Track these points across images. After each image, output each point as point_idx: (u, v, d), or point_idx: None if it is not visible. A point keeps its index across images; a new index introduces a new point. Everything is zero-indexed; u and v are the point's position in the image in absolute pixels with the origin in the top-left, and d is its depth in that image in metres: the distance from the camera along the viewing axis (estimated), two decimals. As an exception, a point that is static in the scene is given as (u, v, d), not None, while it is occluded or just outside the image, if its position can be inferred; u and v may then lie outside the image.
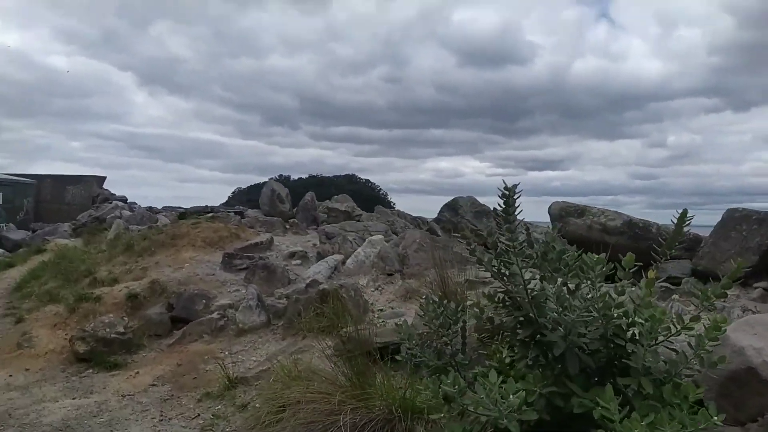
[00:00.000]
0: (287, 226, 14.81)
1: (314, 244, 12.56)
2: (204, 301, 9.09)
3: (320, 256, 11.25)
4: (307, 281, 9.23)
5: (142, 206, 22.26)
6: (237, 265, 11.01)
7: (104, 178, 26.88)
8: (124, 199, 28.35)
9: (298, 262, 11.31)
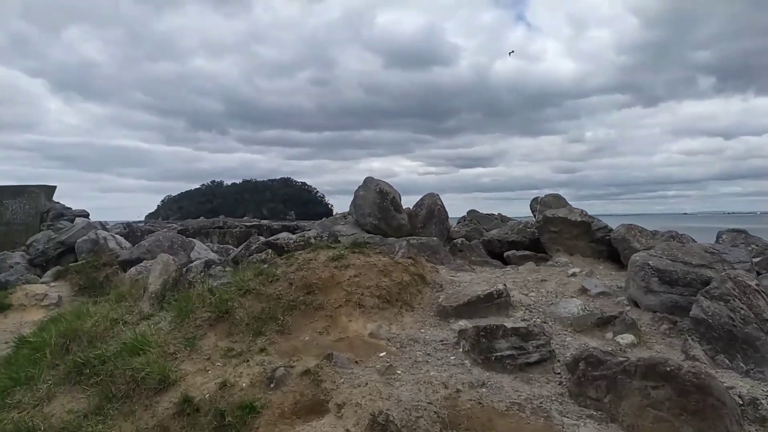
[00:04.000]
0: (455, 253, 8.80)
1: (585, 290, 6.65)
2: None
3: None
4: None
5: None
6: (511, 357, 5.08)
7: (54, 187, 19.70)
8: (85, 215, 21.24)
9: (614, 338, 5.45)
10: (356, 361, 5.31)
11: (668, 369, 4.23)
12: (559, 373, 5.01)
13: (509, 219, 16.75)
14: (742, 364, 4.74)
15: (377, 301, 6.37)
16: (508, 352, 5.15)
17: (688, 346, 5.14)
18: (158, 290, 7.80)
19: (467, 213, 15.78)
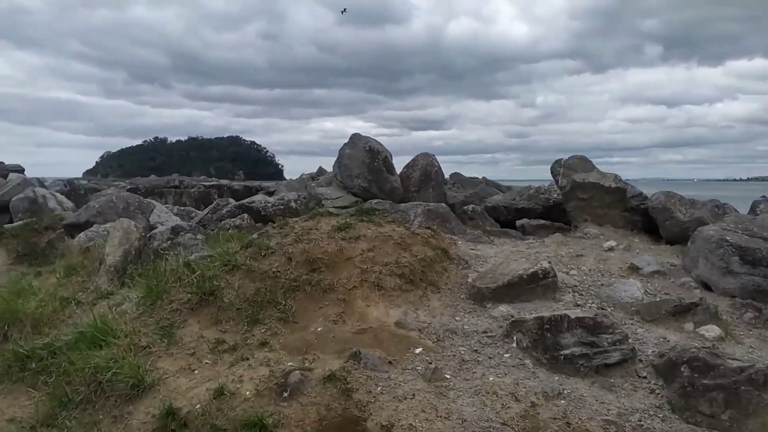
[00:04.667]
0: (466, 222, 7.72)
1: (642, 268, 5.71)
2: None
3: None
4: None
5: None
6: (585, 357, 4.07)
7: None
8: (20, 170, 19.35)
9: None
10: (389, 361, 4.19)
11: (814, 381, 3.30)
12: (645, 377, 4.04)
13: (494, 182, 15.83)
14: None
15: (399, 281, 5.23)
16: (580, 350, 4.14)
17: (794, 343, 4.26)
18: (118, 262, 6.42)
19: (450, 176, 14.78)
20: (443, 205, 7.75)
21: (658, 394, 3.84)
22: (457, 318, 4.94)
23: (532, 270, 5.21)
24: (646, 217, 7.14)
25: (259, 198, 10.46)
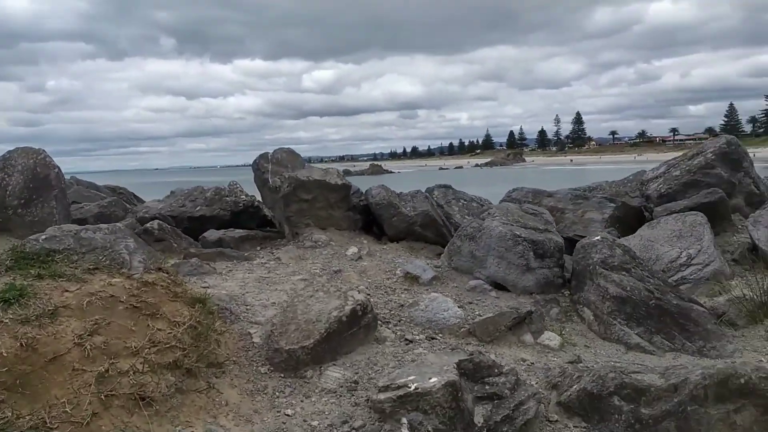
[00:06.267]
0: (150, 243, 5.41)
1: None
2: None
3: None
4: None
5: None
6: (505, 422, 3.10)
7: None
8: None
9: None
10: None
11: (742, 381, 3.15)
12: (557, 420, 3.27)
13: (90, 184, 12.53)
14: (688, 343, 4.12)
15: (172, 378, 2.96)
16: (497, 414, 3.06)
17: (623, 334, 4.21)
18: None
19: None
20: (107, 225, 5.15)
21: (592, 440, 3.12)
22: (283, 412, 3.10)
23: (348, 308, 3.75)
24: (366, 215, 6.44)
25: None
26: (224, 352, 3.47)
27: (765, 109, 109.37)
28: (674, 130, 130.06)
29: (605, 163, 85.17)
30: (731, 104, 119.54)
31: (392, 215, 6.24)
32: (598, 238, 4.77)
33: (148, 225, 5.87)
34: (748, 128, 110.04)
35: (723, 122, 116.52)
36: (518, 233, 4.78)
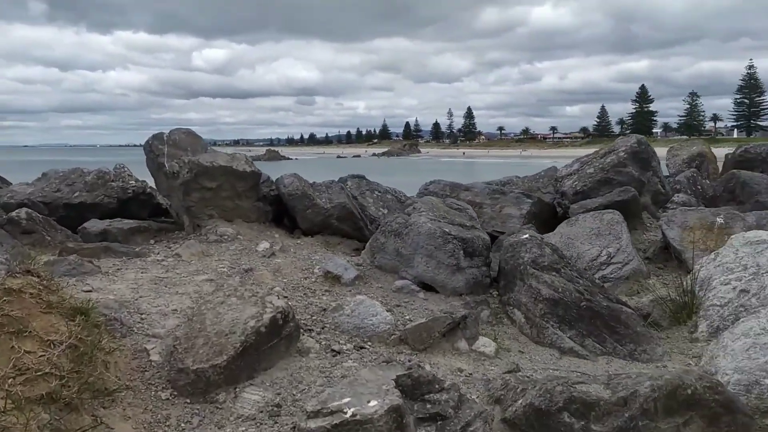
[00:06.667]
0: (17, 236, 4.53)
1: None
2: None
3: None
4: None
5: None
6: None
7: None
8: None
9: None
10: None
11: (689, 391, 3.04)
12: (501, 442, 2.99)
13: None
14: (620, 347, 4.01)
15: (44, 417, 2.31)
16: (443, 438, 2.71)
17: (556, 337, 4.02)
18: None
19: None
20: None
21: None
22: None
23: (267, 316, 3.23)
24: (277, 206, 5.86)
25: None
26: (114, 376, 2.83)
27: (631, 112, 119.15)
28: (554, 129, 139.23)
29: (494, 156, 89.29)
30: (603, 107, 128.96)
31: (306, 207, 5.73)
32: (527, 236, 4.59)
33: (13, 213, 4.91)
34: (617, 129, 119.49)
35: (596, 123, 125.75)
36: (447, 230, 4.48)
